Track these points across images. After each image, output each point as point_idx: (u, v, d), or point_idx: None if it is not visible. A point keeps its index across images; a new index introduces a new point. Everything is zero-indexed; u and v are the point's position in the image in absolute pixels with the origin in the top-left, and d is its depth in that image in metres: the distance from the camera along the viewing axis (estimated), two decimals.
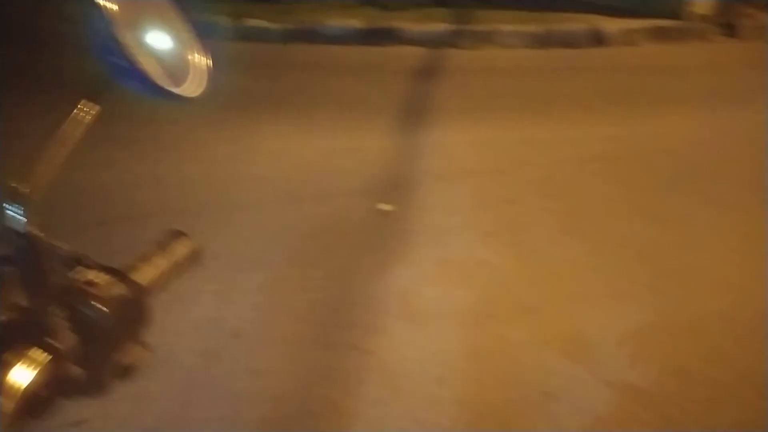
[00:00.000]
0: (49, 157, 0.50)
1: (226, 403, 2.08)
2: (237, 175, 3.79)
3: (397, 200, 3.36)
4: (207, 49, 0.66)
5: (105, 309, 0.52)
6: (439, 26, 6.54)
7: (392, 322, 2.47)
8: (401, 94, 5.03)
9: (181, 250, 0.70)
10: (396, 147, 4.10)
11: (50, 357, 0.48)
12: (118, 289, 0.54)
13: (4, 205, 0.46)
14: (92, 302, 0.51)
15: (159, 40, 0.61)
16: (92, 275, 0.54)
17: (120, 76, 0.55)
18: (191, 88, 0.63)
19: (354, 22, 6.63)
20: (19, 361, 0.46)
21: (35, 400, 0.47)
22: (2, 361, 0.45)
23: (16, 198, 0.46)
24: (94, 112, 0.53)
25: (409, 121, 4.53)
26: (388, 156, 3.96)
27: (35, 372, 0.47)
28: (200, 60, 0.65)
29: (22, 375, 0.46)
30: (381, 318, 2.49)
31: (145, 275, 0.61)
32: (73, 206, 3.03)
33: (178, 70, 0.62)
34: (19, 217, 0.46)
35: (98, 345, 0.52)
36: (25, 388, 0.46)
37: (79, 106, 0.53)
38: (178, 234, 0.72)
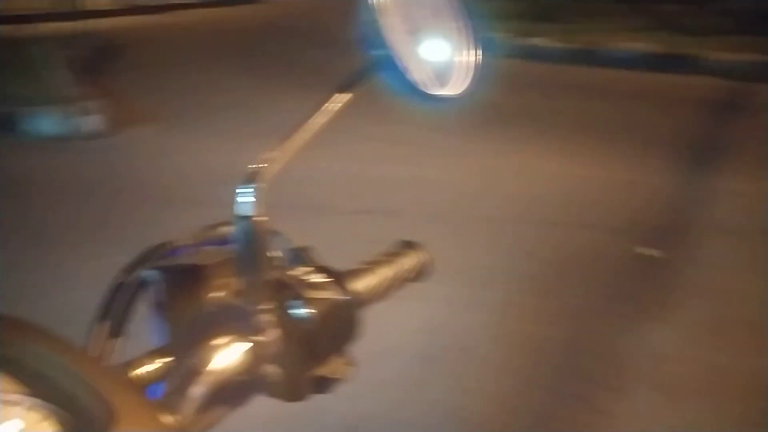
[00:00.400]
0: (289, 142, 0.47)
1: (430, 414, 2.02)
2: (490, 188, 3.74)
3: (666, 248, 2.92)
4: (479, 49, 0.58)
5: (312, 311, 0.47)
6: (748, 56, 5.62)
7: (637, 386, 2.13)
8: (689, 128, 4.42)
9: (409, 262, 0.63)
10: (674, 187, 3.61)
11: (248, 348, 0.45)
12: (331, 294, 0.50)
13: (238, 186, 0.43)
14: (300, 301, 0.47)
15: (429, 36, 0.55)
16: (308, 273, 0.50)
17: (380, 72, 0.50)
18: (454, 88, 0.56)
19: (642, 45, 6.08)
20: (219, 347, 0.44)
21: (227, 390, 0.45)
22: (203, 344, 0.43)
23: (250, 180, 0.44)
24: (342, 104, 0.50)
25: (695, 160, 3.96)
26: (662, 195, 3.50)
27: (233, 361, 0.44)
28: (469, 59, 0.58)
29: (219, 361, 0.43)
30: (624, 378, 2.17)
31: (363, 283, 0.56)
32: (331, 194, 3.31)
33: (443, 68, 0.56)
34: (247, 199, 0.43)
35: (299, 348, 0.47)
36: (220, 376, 0.43)
37: (330, 97, 0.50)
38: (411, 245, 0.66)
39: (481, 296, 2.65)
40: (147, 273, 0.47)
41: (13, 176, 4.06)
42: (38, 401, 0.33)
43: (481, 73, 0.57)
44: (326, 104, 0.49)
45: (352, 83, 0.51)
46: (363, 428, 1.97)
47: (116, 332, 0.47)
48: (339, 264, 0.55)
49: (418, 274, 0.65)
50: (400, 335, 2.35)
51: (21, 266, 2.88)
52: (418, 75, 0.52)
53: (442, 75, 0.56)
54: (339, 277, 0.52)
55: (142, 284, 0.48)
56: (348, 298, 0.51)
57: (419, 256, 0.65)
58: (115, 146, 4.67)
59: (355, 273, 0.56)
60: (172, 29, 9.30)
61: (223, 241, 0.52)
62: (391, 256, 0.63)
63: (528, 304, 2.59)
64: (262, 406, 0.49)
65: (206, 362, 0.43)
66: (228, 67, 6.86)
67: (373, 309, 0.57)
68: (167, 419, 0.36)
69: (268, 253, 0.46)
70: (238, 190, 0.43)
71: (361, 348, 0.50)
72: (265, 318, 0.45)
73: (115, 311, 0.47)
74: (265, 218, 0.44)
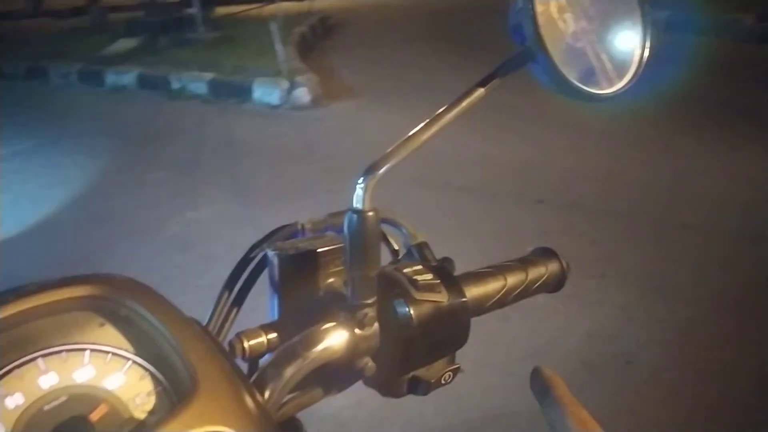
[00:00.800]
0: (417, 134, 0.45)
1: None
2: (687, 190, 3.34)
3: None
4: (647, 45, 0.51)
5: (411, 311, 0.46)
6: None
7: None
8: None
9: (541, 271, 0.58)
10: None
11: (346, 337, 0.45)
12: (439, 297, 0.48)
13: (356, 178, 0.43)
14: (401, 299, 0.46)
15: (589, 30, 0.50)
16: (420, 272, 0.49)
17: (530, 64, 0.47)
18: (610, 85, 0.50)
19: None
20: (321, 333, 0.45)
21: (323, 376, 0.46)
22: (308, 328, 0.45)
23: (368, 172, 0.43)
24: (484, 95, 0.47)
25: None
26: None
27: (332, 349, 0.45)
28: (633, 56, 0.51)
29: (319, 346, 0.44)
30: None
31: (481, 288, 0.53)
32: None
33: (602, 64, 0.50)
34: (361, 192, 0.43)
35: (398, 348, 0.46)
36: (318, 361, 0.44)
37: (473, 89, 0.47)
38: (548, 252, 0.61)
39: (661, 310, 2.41)
40: (268, 253, 0.49)
41: (232, 139, 4.64)
42: (140, 360, 0.37)
43: (643, 72, 0.50)
44: (468, 96, 0.47)
45: (497, 75, 0.48)
46: None
47: (237, 303, 0.51)
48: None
49: (552, 285, 0.60)
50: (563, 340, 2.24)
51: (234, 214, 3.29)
52: (570, 70, 0.47)
53: (599, 71, 0.50)
54: (452, 280, 0.50)
55: (264, 263, 0.51)
56: (457, 302, 0.48)
57: (555, 265, 0.59)
58: (319, 117, 5.05)
59: (475, 276, 0.54)
60: (380, 9, 9.75)
61: (342, 229, 0.53)
62: (522, 262, 0.59)
63: (710, 323, 2.30)
64: None
65: (305, 345, 0.44)
66: (424, 47, 7.02)
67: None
68: (252, 395, 0.38)
69: (377, 246, 0.45)
70: (356, 182, 0.43)
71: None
72: (369, 312, 0.45)
73: (238, 284, 0.51)
74: (373, 212, 0.43)
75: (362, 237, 0.44)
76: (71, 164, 4.25)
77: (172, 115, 5.36)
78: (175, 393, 0.36)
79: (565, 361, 2.15)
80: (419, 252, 0.53)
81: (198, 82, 5.73)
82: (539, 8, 0.45)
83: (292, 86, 5.27)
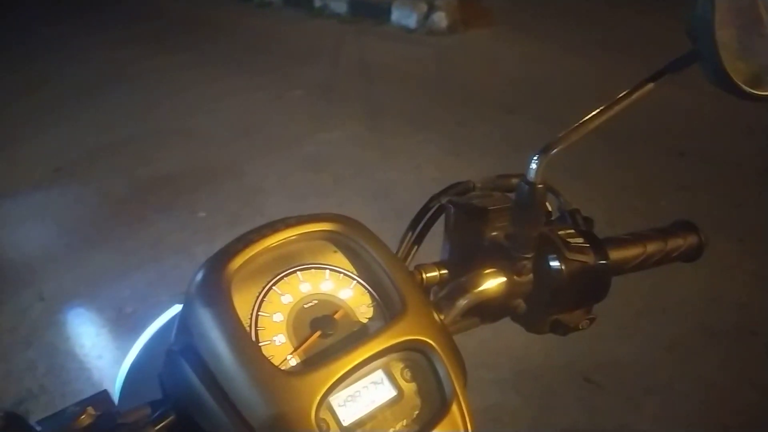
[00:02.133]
0: (587, 121, 0.53)
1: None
2: None
3: None
4: None
5: (563, 267, 0.55)
6: None
7: None
8: None
9: (679, 242, 0.65)
10: None
11: (505, 281, 0.56)
12: (586, 258, 0.57)
13: (531, 154, 0.52)
14: (555, 256, 0.55)
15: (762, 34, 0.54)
16: (572, 235, 0.58)
17: (699, 63, 0.52)
18: None
19: None
20: (484, 275, 0.56)
21: (483, 309, 0.57)
22: (474, 269, 0.56)
23: (543, 151, 0.52)
24: (652, 90, 0.53)
25: None
26: None
27: (492, 288, 0.56)
28: None
29: (483, 285, 0.56)
30: None
31: (622, 253, 0.61)
32: None
33: None
34: (534, 167, 0.52)
35: (546, 295, 0.57)
36: (480, 296, 0.55)
37: (643, 83, 0.54)
38: (688, 225, 0.67)
39: None
40: (445, 204, 0.61)
41: (367, 62, 4.75)
42: (362, 281, 0.51)
43: None
44: (638, 90, 0.53)
45: (667, 71, 0.53)
46: None
47: (417, 242, 0.64)
48: None
49: (689, 255, 0.67)
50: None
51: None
52: (740, 72, 0.52)
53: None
54: (598, 245, 0.58)
55: (441, 211, 0.63)
56: (600, 264, 0.57)
57: (693, 238, 0.66)
58: (456, 44, 5.01)
59: (617, 241, 0.62)
60: None
61: (509, 189, 0.63)
62: (662, 232, 0.66)
63: None
64: None
65: (473, 283, 0.56)
66: None
67: None
68: (439, 316, 0.51)
69: (541, 213, 0.55)
70: (531, 158, 0.53)
71: None
72: (526, 264, 0.56)
73: (419, 227, 0.63)
74: (542, 185, 0.52)
75: (529, 204, 0.53)
76: (220, 78, 4.57)
77: (311, 34, 5.54)
78: (386, 309, 0.49)
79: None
80: (571, 217, 0.62)
81: (338, 1, 5.84)
82: (717, 15, 0.50)
83: (430, 10, 5.22)
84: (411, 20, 5.31)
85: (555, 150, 0.52)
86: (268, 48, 5.19)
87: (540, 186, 0.52)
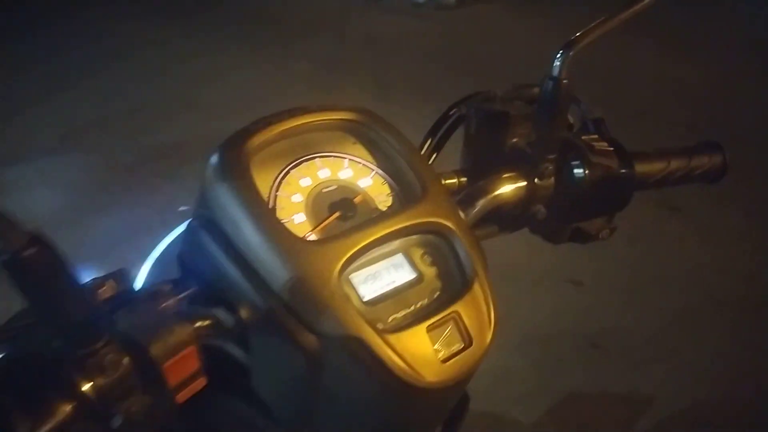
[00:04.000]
0: (608, 21, 0.52)
1: None
2: None
3: None
4: None
5: (586, 171, 0.54)
6: None
7: None
8: None
9: (703, 161, 0.64)
10: None
11: (525, 185, 0.55)
12: (610, 162, 0.55)
13: (555, 51, 0.51)
14: (578, 159, 0.54)
15: None
16: (597, 141, 0.56)
17: None
18: None
19: None
20: (504, 180, 0.55)
21: (501, 215, 0.56)
22: (494, 174, 0.55)
23: (566, 47, 0.51)
24: None
25: None
26: None
27: (512, 192, 0.55)
28: None
29: (502, 189, 0.55)
30: None
31: (646, 165, 0.60)
32: None
33: None
34: (559, 62, 0.51)
35: (568, 200, 0.55)
36: (499, 200, 0.54)
37: None
38: (712, 146, 0.66)
39: None
40: (466, 111, 0.60)
41: (374, 36, 4.71)
42: (381, 171, 0.50)
43: None
44: None
45: None
46: None
47: (437, 150, 0.63)
48: None
49: (712, 176, 0.66)
50: None
51: None
52: None
53: None
54: (623, 152, 0.57)
55: (462, 118, 0.61)
56: (624, 171, 0.56)
57: (718, 158, 0.65)
58: (464, 19, 4.96)
59: (643, 154, 0.61)
60: None
61: (529, 99, 0.62)
62: (687, 150, 0.64)
63: None
64: None
65: (493, 186, 0.55)
66: None
67: None
68: (459, 209, 0.50)
69: (565, 113, 0.53)
70: (555, 54, 0.51)
71: None
72: (548, 166, 0.55)
73: (438, 135, 0.62)
74: (567, 81, 0.51)
75: (554, 101, 0.52)
76: (224, 50, 4.54)
77: (316, 7, 5.48)
78: (405, 198, 0.48)
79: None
80: (595, 126, 0.61)
81: None
82: None
83: None
84: None
85: (579, 45, 0.51)
86: (272, 19, 5.14)
87: (565, 81, 0.51)
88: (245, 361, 0.45)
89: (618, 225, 0.59)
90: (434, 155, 0.63)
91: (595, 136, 0.57)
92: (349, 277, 0.43)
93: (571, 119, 0.64)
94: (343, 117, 0.50)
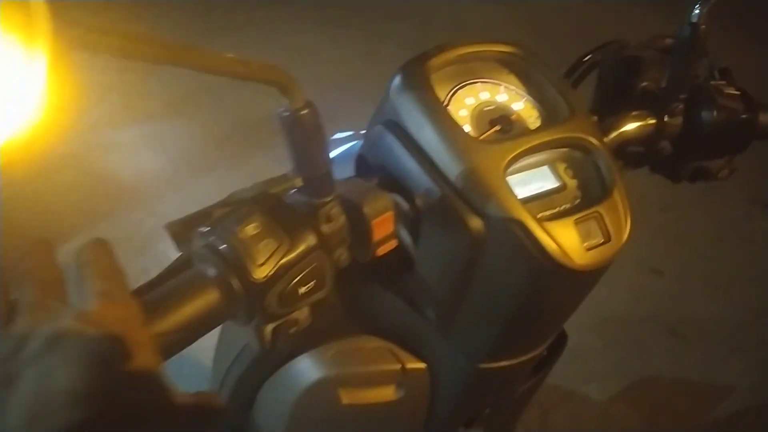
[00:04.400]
0: None
1: None
2: None
3: None
4: None
5: (714, 112, 0.60)
6: None
7: None
8: None
9: None
10: None
11: (654, 122, 0.61)
12: (736, 106, 0.60)
13: None
14: (707, 101, 0.60)
15: None
16: (726, 87, 0.61)
17: None
18: None
19: None
20: (633, 117, 0.61)
21: (628, 154, 0.62)
22: (622, 112, 0.61)
23: None
24: None
25: None
26: None
27: (639, 130, 0.61)
28: None
29: (627, 128, 0.61)
30: None
31: None
32: None
33: None
34: (697, 10, 0.57)
35: (694, 138, 0.61)
36: (623, 138, 0.61)
37: None
38: None
39: None
40: (604, 54, 0.66)
41: (458, 20, 4.73)
42: (531, 99, 0.57)
43: None
44: None
45: None
46: None
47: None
48: None
49: None
50: None
51: None
52: None
53: None
54: (750, 99, 0.62)
55: (595, 65, 0.68)
56: (748, 116, 0.61)
57: None
58: (547, 8, 4.90)
59: (763, 104, 0.65)
60: None
61: (662, 49, 0.68)
62: None
63: None
64: None
65: (622, 122, 0.61)
66: None
67: None
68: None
69: (701, 60, 0.59)
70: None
71: None
72: (678, 105, 0.61)
73: (572, 78, 0.69)
74: (704, 27, 0.57)
75: (690, 47, 0.58)
76: (310, 30, 4.68)
77: None
78: (553, 121, 0.56)
79: None
80: (722, 74, 0.66)
81: None
82: None
83: None
84: None
85: None
86: (357, 2, 5.23)
87: (703, 27, 0.57)
88: (411, 249, 0.54)
89: (737, 167, 0.64)
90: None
91: (723, 83, 0.62)
92: (507, 178, 0.51)
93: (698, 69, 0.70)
94: (502, 49, 0.58)
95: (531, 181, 0.52)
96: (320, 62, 4.10)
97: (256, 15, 4.99)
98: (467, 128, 0.53)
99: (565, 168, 0.53)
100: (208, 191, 2.72)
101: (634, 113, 0.62)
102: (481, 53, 0.57)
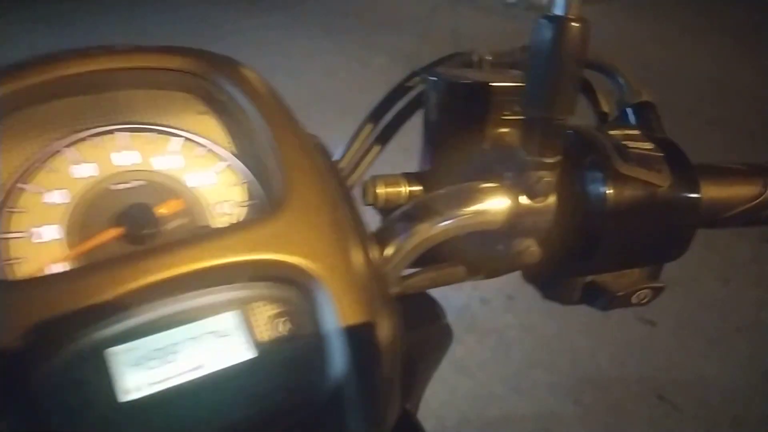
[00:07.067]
0: None
1: None
2: None
3: None
4: None
5: (609, 189, 0.32)
6: None
7: None
8: None
9: None
10: None
11: (508, 205, 0.33)
12: (653, 177, 0.32)
13: None
14: (598, 168, 0.31)
15: None
16: (633, 138, 0.33)
17: None
18: None
19: None
20: (477, 193, 0.33)
21: (469, 248, 0.35)
22: (461, 184, 0.34)
23: None
24: None
25: None
26: None
27: (485, 216, 0.33)
28: None
29: (470, 209, 0.33)
30: None
31: (721, 189, 0.35)
32: None
33: None
34: None
35: (577, 238, 0.33)
36: (461, 228, 0.33)
37: None
38: None
39: None
40: (429, 80, 0.37)
41: (460, 34, 4.48)
42: (239, 164, 0.29)
43: None
44: None
45: None
46: None
47: (381, 141, 0.41)
48: None
49: None
50: None
51: None
52: None
53: None
54: (682, 161, 0.34)
55: (423, 95, 0.40)
56: (682, 194, 0.33)
57: None
58: None
59: (718, 170, 0.37)
60: None
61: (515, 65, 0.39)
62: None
63: None
64: None
65: (455, 203, 0.33)
66: None
67: None
68: (363, 242, 0.28)
69: (577, 87, 0.30)
70: None
71: None
72: (546, 177, 0.32)
73: (386, 117, 0.41)
74: (580, 24, 0.28)
75: (554, 60, 0.29)
76: (306, 38, 4.47)
77: (404, 1, 5.35)
78: (264, 202, 0.28)
79: None
80: (639, 115, 0.37)
81: None
82: None
83: None
84: None
85: None
86: (356, 13, 5.04)
87: (575, 24, 0.28)
88: None
89: (666, 284, 0.36)
90: (378, 149, 0.41)
91: (635, 132, 0.34)
92: (108, 350, 0.23)
93: (605, 105, 0.41)
94: (182, 66, 0.30)
95: (182, 351, 0.24)
96: (312, 70, 3.89)
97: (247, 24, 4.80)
98: (54, 232, 0.25)
99: (273, 317, 0.25)
100: None
101: (475, 185, 0.34)
102: (141, 73, 0.30)
